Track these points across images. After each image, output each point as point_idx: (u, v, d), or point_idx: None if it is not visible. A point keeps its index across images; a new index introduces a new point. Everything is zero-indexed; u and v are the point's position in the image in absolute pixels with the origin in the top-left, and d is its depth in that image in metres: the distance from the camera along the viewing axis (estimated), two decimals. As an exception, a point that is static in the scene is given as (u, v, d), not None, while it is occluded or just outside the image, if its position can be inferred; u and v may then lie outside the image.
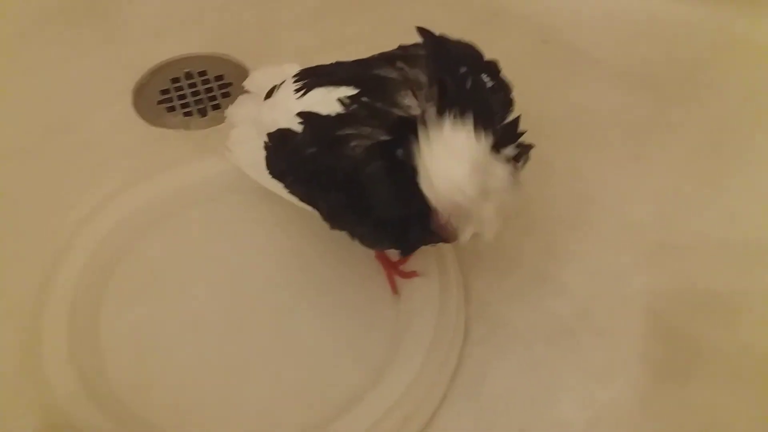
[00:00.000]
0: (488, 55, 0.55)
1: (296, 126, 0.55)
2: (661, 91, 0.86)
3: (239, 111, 0.71)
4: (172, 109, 0.84)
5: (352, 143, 0.51)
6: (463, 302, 0.64)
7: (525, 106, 0.54)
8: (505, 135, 0.50)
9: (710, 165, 0.78)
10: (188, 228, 0.70)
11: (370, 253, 0.64)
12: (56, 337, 0.60)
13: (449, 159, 0.46)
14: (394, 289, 0.64)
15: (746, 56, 0.89)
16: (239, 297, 0.65)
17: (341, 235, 0.58)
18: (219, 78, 0.88)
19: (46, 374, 0.57)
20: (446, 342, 0.60)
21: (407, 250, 0.56)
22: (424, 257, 0.64)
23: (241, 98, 0.72)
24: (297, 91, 0.57)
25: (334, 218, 0.58)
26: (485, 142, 0.46)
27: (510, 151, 0.50)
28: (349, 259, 0.66)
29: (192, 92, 0.86)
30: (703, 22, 0.92)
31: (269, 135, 0.59)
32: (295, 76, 0.59)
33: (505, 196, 0.48)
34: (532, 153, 0.54)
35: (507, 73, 0.55)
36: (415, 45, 0.55)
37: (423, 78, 0.51)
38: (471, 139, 0.46)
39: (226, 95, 0.86)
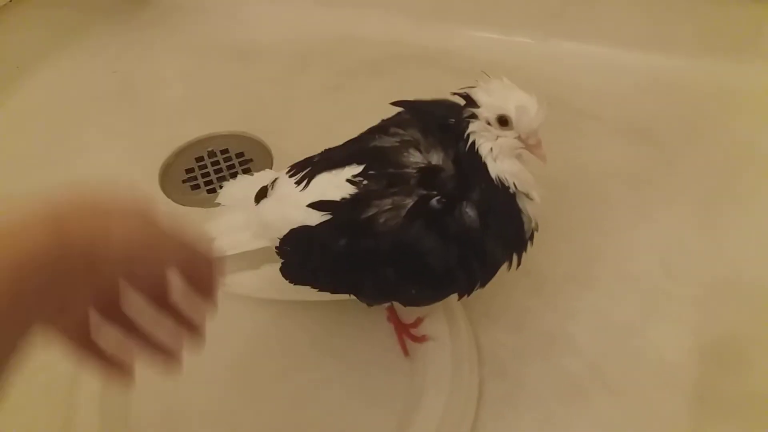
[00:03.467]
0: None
1: (310, 219, 0.55)
2: (662, 144, 0.88)
3: (222, 222, 0.71)
4: (196, 187, 0.89)
5: (381, 219, 0.52)
6: (476, 363, 0.65)
7: (530, 168, 0.57)
8: None
9: (714, 215, 0.80)
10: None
11: (383, 318, 0.67)
12: (89, 413, 0.62)
13: (511, 90, 0.53)
14: (405, 351, 0.66)
15: (745, 106, 0.91)
16: (258, 366, 0.68)
17: (355, 302, 0.61)
18: (240, 155, 0.93)
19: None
20: (461, 404, 0.62)
21: (470, 291, 0.58)
22: (435, 320, 0.67)
23: (216, 211, 0.73)
24: (298, 183, 0.58)
25: (384, 293, 0.59)
26: None
27: None
28: (362, 324, 0.68)
29: (215, 170, 0.91)
30: (697, 75, 0.95)
31: (282, 240, 0.59)
32: (288, 170, 0.60)
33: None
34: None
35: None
36: (399, 113, 0.59)
37: (418, 134, 0.55)
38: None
39: (247, 171, 0.91)
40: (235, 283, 0.68)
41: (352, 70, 1.04)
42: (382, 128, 0.58)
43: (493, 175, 0.53)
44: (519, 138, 0.53)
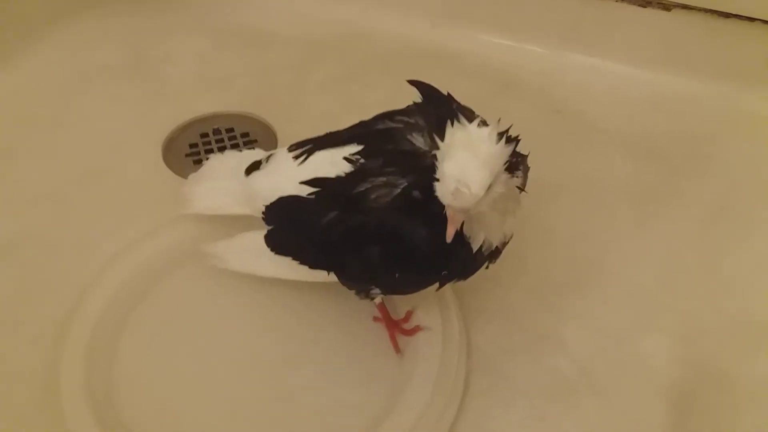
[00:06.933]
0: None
1: (302, 193, 0.56)
2: (666, 162, 0.89)
3: (201, 186, 0.72)
4: (198, 161, 0.88)
5: (372, 195, 0.52)
6: (464, 354, 0.65)
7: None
8: None
9: (713, 236, 0.80)
10: (205, 274, 0.72)
11: (371, 309, 0.67)
12: (74, 371, 0.62)
13: (465, 151, 0.46)
14: (397, 349, 0.65)
15: (750, 130, 0.92)
16: (248, 342, 0.67)
17: (345, 291, 0.61)
18: (245, 135, 0.93)
19: (61, 407, 0.60)
20: (446, 393, 0.61)
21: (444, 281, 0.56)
22: (428, 311, 0.67)
23: (193, 176, 0.74)
24: (297, 158, 0.58)
25: (367, 274, 0.58)
26: (500, 146, 0.47)
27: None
28: (351, 308, 0.68)
29: (219, 147, 0.91)
30: (708, 97, 0.95)
31: (269, 206, 0.59)
32: (291, 147, 0.60)
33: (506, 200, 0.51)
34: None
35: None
36: (409, 106, 0.58)
37: (422, 122, 0.54)
38: (492, 136, 0.47)
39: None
40: (217, 256, 0.68)
41: (364, 65, 1.04)
42: (389, 115, 0.58)
43: None
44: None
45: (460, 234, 0.50)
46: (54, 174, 0.85)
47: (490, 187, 0.47)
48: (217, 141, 0.92)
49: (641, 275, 0.75)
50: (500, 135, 0.47)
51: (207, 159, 0.75)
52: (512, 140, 0.48)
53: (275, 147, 0.91)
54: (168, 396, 0.63)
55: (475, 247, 0.53)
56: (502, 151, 0.47)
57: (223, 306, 0.70)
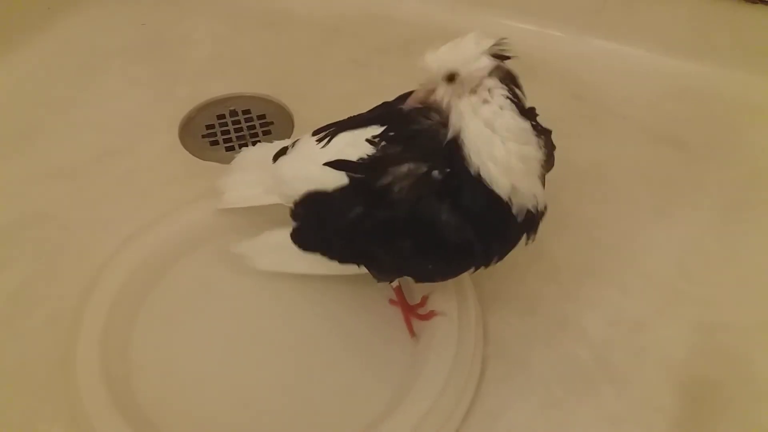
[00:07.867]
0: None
1: (326, 177, 0.54)
2: (687, 149, 0.88)
3: (233, 178, 0.72)
4: (215, 143, 0.89)
5: (396, 187, 0.51)
6: (481, 340, 0.65)
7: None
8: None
9: (735, 224, 0.79)
10: (221, 256, 0.72)
11: (388, 287, 0.66)
12: (90, 351, 0.62)
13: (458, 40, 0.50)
14: (412, 333, 0.65)
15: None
16: (263, 326, 0.67)
17: (361, 276, 0.60)
18: (261, 117, 0.93)
19: (77, 387, 0.60)
20: (462, 378, 0.61)
21: (483, 263, 0.55)
22: (444, 295, 0.66)
23: (226, 169, 0.74)
24: (320, 141, 0.57)
25: (398, 267, 0.57)
26: (478, 48, 0.49)
27: None
28: (367, 293, 0.68)
29: (235, 129, 0.91)
30: (730, 86, 0.94)
31: (297, 203, 0.58)
32: (315, 131, 0.60)
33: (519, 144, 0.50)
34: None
35: (538, 124, 0.57)
36: None
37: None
38: (479, 42, 0.50)
39: (267, 133, 0.90)
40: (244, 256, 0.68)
41: (383, 48, 1.03)
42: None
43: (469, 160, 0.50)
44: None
45: (500, 205, 0.50)
46: (71, 154, 0.85)
47: (453, 77, 0.49)
48: (233, 123, 0.92)
49: (661, 263, 0.74)
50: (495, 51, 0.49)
51: (239, 146, 0.76)
52: (501, 57, 0.50)
53: (292, 129, 0.91)
54: (182, 377, 0.63)
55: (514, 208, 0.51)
56: (479, 56, 0.49)
57: (238, 288, 0.70)
